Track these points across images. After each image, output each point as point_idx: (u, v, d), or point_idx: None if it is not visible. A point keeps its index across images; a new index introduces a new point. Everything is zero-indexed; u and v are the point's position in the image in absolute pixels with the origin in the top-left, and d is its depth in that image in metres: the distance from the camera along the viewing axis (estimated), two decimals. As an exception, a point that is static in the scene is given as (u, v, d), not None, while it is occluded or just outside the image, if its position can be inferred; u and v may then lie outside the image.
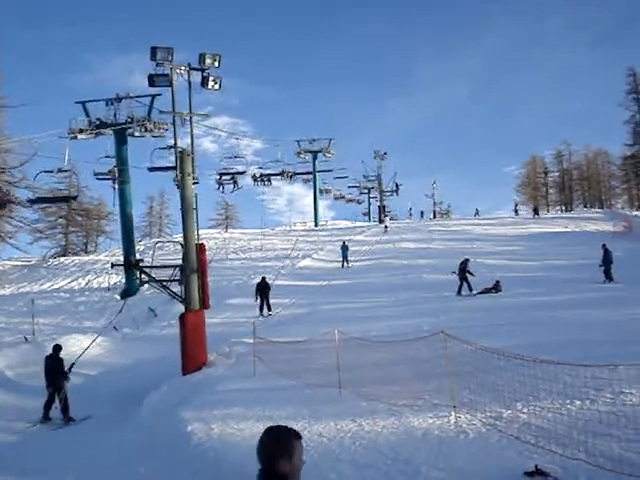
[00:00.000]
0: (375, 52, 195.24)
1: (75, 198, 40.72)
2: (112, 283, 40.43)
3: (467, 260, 27.42)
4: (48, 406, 16.47)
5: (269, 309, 27.87)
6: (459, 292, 26.20)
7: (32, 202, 35.98)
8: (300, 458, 3.50)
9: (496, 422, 9.44)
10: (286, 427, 3.61)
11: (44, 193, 38.26)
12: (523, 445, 8.36)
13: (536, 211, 64.57)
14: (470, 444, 8.89)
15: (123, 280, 39.04)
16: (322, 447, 9.69)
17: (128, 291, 37.02)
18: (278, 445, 3.47)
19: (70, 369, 17.21)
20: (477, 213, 74.53)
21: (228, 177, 51.79)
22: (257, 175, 59.33)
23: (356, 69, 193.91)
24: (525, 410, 9.68)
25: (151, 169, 43.17)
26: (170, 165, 39.78)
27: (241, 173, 52.35)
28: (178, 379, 18.18)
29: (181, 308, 20.40)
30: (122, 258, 38.74)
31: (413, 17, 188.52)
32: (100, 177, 44.93)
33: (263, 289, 28.36)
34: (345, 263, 39.93)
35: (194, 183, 20.96)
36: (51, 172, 32.79)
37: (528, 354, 9.36)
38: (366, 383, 12.66)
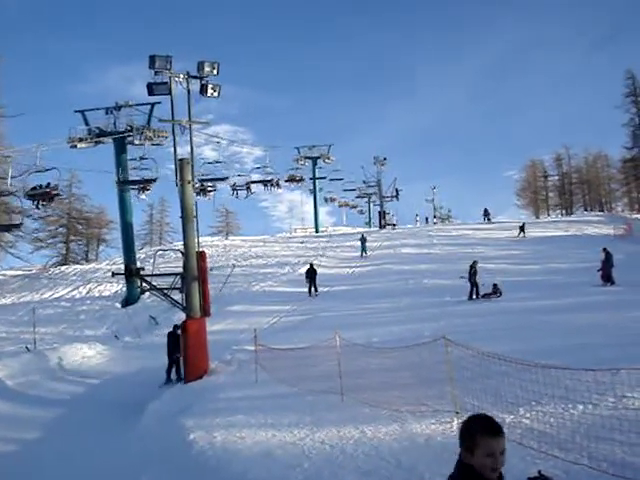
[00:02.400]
0: (375, 57, 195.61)
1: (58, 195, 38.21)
2: (113, 292, 40.45)
3: (476, 262, 27.26)
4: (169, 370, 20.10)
5: (316, 290, 33.27)
6: (470, 297, 26.10)
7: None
8: (486, 455, 3.37)
9: (498, 427, 9.40)
10: (480, 418, 3.56)
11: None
12: (526, 450, 8.33)
13: (487, 215, 65.29)
14: (473, 450, 8.84)
15: (124, 289, 39.03)
16: (324, 454, 9.67)
17: (129, 299, 37.02)
18: (463, 435, 3.48)
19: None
20: (487, 215, 67.76)
21: (210, 184, 51.38)
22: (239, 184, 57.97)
23: (356, 75, 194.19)
24: (528, 415, 9.65)
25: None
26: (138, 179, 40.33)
27: (222, 179, 52.18)
28: (180, 387, 18.19)
29: (182, 316, 20.38)
30: (123, 266, 38.70)
31: (413, 22, 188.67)
32: (123, 188, 44.89)
33: (312, 274, 33.29)
34: (364, 253, 46.34)
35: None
36: (40, 172, 33.23)
37: (530, 358, 9.34)
38: (368, 389, 12.64)
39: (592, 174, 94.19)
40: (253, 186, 56.82)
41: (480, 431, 3.39)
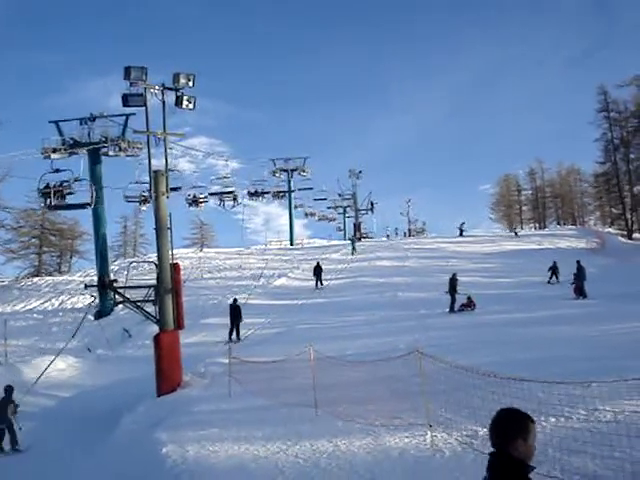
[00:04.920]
0: (351, 73, 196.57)
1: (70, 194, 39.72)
2: (86, 304, 40.07)
3: (455, 275, 27.38)
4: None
5: (322, 283, 37.84)
6: (452, 309, 26.20)
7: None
8: (534, 440, 3.50)
9: (472, 441, 9.45)
10: (520, 410, 3.63)
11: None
12: (499, 463, 8.34)
13: (461, 230, 66.03)
14: (446, 463, 8.88)
15: (97, 301, 38.66)
16: (298, 468, 9.64)
17: (102, 312, 36.68)
18: (514, 424, 3.51)
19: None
20: (462, 231, 67.61)
21: (202, 196, 53.33)
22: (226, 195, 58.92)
23: (333, 90, 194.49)
24: (501, 428, 9.67)
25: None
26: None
27: (215, 194, 54.05)
28: (153, 400, 18.02)
29: (156, 328, 20.24)
30: (96, 278, 38.39)
31: (391, 39, 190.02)
32: (130, 200, 46.85)
33: (318, 271, 38.16)
34: (354, 251, 52.53)
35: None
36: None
37: (503, 371, 9.38)
38: (342, 403, 12.62)
39: (565, 188, 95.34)
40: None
41: (529, 417, 3.55)
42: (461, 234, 64.90)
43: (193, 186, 55.02)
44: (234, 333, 26.77)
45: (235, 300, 28.48)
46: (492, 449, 3.58)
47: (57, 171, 36.79)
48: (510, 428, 3.49)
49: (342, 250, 56.21)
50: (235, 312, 27.13)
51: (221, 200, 57.10)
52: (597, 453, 7.86)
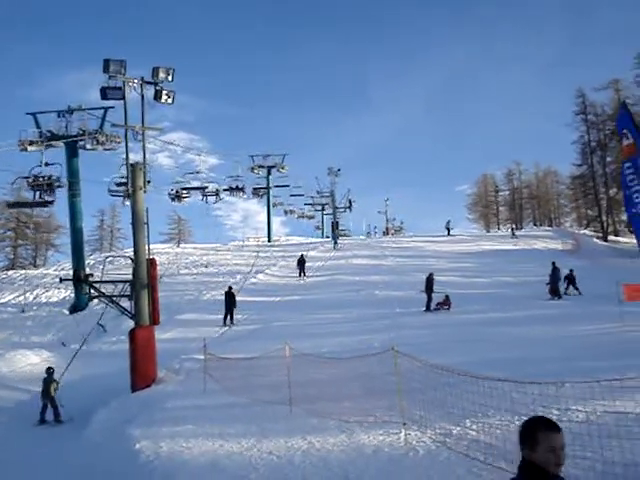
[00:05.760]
0: (332, 72, 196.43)
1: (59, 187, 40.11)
2: (61, 298, 39.75)
3: (432, 274, 27.44)
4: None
5: (305, 275, 40.59)
6: (428, 308, 26.25)
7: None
8: (548, 450, 3.56)
9: (445, 439, 9.48)
10: (538, 417, 3.78)
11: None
12: (472, 462, 8.40)
13: (448, 227, 66.38)
14: (420, 461, 8.90)
15: (72, 295, 38.37)
16: (272, 465, 9.61)
17: (77, 306, 36.39)
18: (523, 434, 3.64)
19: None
20: (449, 229, 66.92)
21: (184, 191, 54.53)
22: (211, 190, 59.36)
23: (313, 88, 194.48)
24: (474, 427, 9.73)
25: (119, 184, 43.78)
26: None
27: (197, 188, 54.61)
28: (127, 396, 17.92)
29: (131, 324, 20.14)
30: (71, 272, 38.08)
31: (371, 38, 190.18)
32: (114, 194, 46.60)
33: (302, 263, 41.06)
34: (336, 245, 56.02)
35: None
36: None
37: (477, 371, 9.43)
38: (317, 400, 12.63)
39: (542, 190, 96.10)
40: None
41: (540, 428, 3.61)
42: (449, 233, 65.02)
43: (176, 181, 55.25)
44: (228, 318, 28.59)
45: (230, 288, 30.41)
46: None
47: (46, 165, 37.92)
48: (521, 436, 3.65)
49: (320, 248, 56.24)
50: (230, 299, 29.08)
51: (204, 195, 57.41)
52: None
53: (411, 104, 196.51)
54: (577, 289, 28.13)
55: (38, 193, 38.13)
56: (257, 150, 71.20)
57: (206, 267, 46.04)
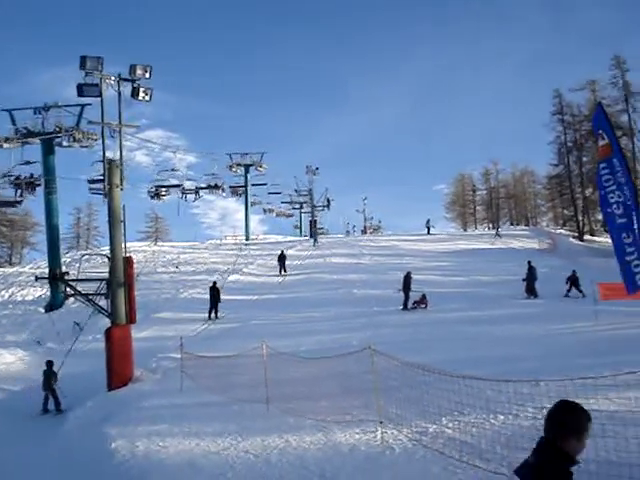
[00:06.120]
0: (312, 70, 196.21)
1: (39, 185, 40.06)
2: (37, 296, 39.38)
3: (410, 273, 27.48)
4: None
5: (285, 271, 41.15)
6: (405, 306, 26.29)
7: None
8: (587, 438, 3.53)
9: (422, 437, 9.53)
10: (582, 407, 3.63)
11: None
12: (448, 460, 8.45)
13: (428, 226, 66.75)
14: (396, 460, 8.94)
15: (48, 293, 38.04)
16: (249, 464, 9.63)
17: (53, 304, 36.09)
18: (573, 422, 3.52)
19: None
20: (429, 228, 67.43)
21: (163, 189, 54.89)
22: (188, 188, 59.39)
23: (293, 86, 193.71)
24: (450, 425, 9.80)
25: (91, 181, 43.31)
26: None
27: (177, 186, 54.60)
28: (103, 395, 17.84)
29: (108, 322, 20.03)
30: (47, 270, 37.75)
31: (348, 38, 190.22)
32: (95, 192, 45.22)
33: (282, 259, 41.72)
34: (316, 242, 56.26)
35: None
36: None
37: (454, 369, 9.48)
38: (294, 399, 12.64)
39: (519, 189, 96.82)
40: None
41: (589, 418, 3.55)
42: (429, 231, 65.23)
43: (154, 180, 55.12)
44: (213, 312, 29.22)
45: (215, 283, 31.25)
46: (543, 435, 3.64)
47: (27, 163, 38.52)
48: (568, 424, 3.53)
49: (297, 246, 56.21)
50: (214, 293, 29.77)
51: (183, 193, 57.35)
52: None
53: (390, 103, 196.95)
54: (581, 291, 27.24)
55: (19, 191, 38.25)
56: (236, 148, 70.94)
57: (177, 268, 45.40)
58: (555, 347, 15.58)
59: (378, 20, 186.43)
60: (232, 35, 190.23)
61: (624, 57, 60.37)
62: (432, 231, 65.88)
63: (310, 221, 74.32)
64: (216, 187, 62.34)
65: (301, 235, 79.24)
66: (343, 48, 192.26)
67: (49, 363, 19.55)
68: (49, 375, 19.08)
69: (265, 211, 76.35)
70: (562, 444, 3.48)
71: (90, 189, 45.21)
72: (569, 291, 27.83)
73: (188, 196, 58.50)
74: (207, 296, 30.44)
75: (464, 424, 9.68)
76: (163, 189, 55.03)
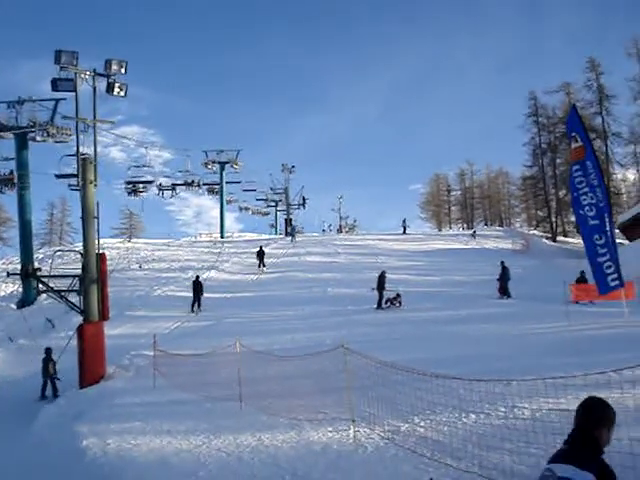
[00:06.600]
0: (289, 70, 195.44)
1: None
2: (8, 292, 39.00)
3: (384, 272, 27.56)
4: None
5: (264, 265, 41.75)
6: (379, 305, 26.33)
7: None
8: (611, 434, 3.86)
9: (394, 436, 9.57)
10: (606, 402, 3.97)
11: None
12: (419, 459, 8.49)
13: (404, 226, 67.14)
14: (368, 458, 8.97)
15: (20, 289, 37.67)
16: (221, 462, 9.61)
17: (25, 301, 35.75)
18: (607, 416, 3.87)
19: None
20: (405, 227, 67.82)
21: (140, 185, 54.88)
22: (163, 185, 59.28)
23: (270, 83, 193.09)
24: (422, 424, 9.85)
25: (58, 176, 42.46)
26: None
27: (149, 182, 54.42)
28: (75, 392, 17.72)
29: (80, 319, 19.89)
30: (19, 266, 37.39)
31: (327, 36, 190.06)
32: (73, 188, 44.57)
33: (261, 255, 42.47)
34: (293, 239, 57.13)
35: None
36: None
37: (427, 368, 9.53)
38: (267, 397, 12.65)
39: (493, 190, 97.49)
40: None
41: (615, 412, 3.91)
42: (404, 231, 65.44)
43: (129, 175, 54.87)
44: (196, 305, 30.06)
45: (197, 277, 32.09)
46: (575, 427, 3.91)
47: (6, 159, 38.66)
48: (603, 418, 3.85)
49: (272, 245, 56.10)
50: (197, 287, 30.56)
51: (160, 190, 57.17)
52: (514, 449, 8.07)
53: (367, 102, 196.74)
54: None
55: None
56: (212, 146, 70.57)
57: (140, 267, 44.91)
58: (527, 347, 15.72)
59: (357, 22, 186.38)
60: (209, 33, 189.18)
61: (599, 60, 61.14)
62: (408, 231, 66.10)
63: (285, 219, 74.35)
64: (192, 184, 62.17)
65: (277, 233, 79.11)
66: (322, 47, 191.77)
67: (48, 350, 19.63)
68: (48, 362, 19.24)
69: (241, 209, 76.31)
70: (598, 435, 3.79)
71: (69, 185, 44.79)
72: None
73: (165, 193, 58.43)
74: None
75: (436, 423, 9.74)
76: (140, 185, 54.71)
